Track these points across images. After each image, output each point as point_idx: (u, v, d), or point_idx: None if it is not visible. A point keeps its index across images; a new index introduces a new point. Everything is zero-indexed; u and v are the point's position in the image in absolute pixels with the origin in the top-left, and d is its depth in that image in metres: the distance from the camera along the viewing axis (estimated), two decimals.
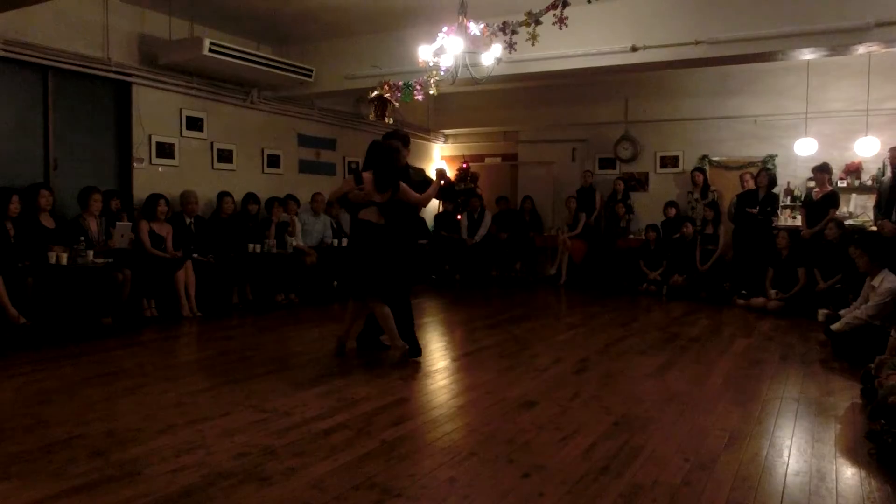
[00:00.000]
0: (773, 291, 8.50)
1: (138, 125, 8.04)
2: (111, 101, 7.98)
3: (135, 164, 8.04)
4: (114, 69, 7.68)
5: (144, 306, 7.21)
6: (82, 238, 6.54)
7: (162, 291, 7.36)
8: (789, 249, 8.49)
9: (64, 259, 6.28)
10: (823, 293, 7.72)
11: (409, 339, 5.47)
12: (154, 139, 8.22)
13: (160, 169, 8.30)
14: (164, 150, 8.35)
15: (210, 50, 7.61)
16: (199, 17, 8.27)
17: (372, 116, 7.69)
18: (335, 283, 8.83)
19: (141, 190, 7.98)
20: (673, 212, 10.55)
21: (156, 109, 8.23)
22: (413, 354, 5.46)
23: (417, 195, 5.52)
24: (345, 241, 9.49)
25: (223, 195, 8.47)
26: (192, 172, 8.62)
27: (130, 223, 7.24)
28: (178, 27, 8.21)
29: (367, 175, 5.29)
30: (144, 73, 8.02)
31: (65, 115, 7.50)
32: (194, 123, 8.73)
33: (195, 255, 7.75)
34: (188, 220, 8.02)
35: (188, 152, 8.66)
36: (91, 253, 6.53)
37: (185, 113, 8.61)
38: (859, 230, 8.52)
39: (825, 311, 6.61)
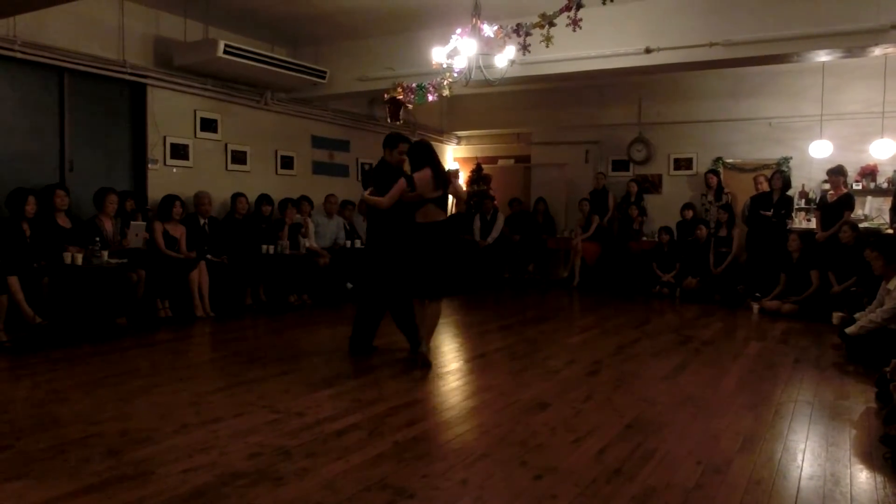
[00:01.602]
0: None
1: (153, 126, 8.10)
2: (126, 103, 8.04)
3: (149, 166, 8.09)
4: (129, 71, 7.74)
5: (158, 307, 7.25)
6: (97, 238, 6.58)
7: (176, 292, 7.40)
8: (801, 252, 8.43)
9: (79, 259, 6.32)
10: (838, 296, 7.66)
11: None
12: (168, 140, 8.28)
13: (174, 170, 8.35)
14: (179, 152, 8.41)
15: (224, 51, 7.66)
16: (214, 19, 8.31)
17: (386, 120, 7.73)
18: (349, 285, 8.88)
19: (155, 191, 8.03)
20: (690, 214, 10.48)
21: (170, 111, 8.29)
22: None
23: (461, 187, 5.61)
24: (357, 243, 9.55)
25: (237, 195, 8.52)
26: (206, 173, 8.67)
27: (144, 223, 7.29)
28: (192, 29, 8.26)
29: (422, 174, 5.28)
30: (159, 75, 8.08)
31: (80, 117, 7.56)
32: (208, 125, 8.78)
33: (209, 256, 7.79)
34: (202, 221, 8.06)
35: (202, 153, 8.71)
36: (106, 253, 6.57)
37: (200, 114, 8.67)
38: (874, 233, 8.46)
39: (840, 314, 6.55)
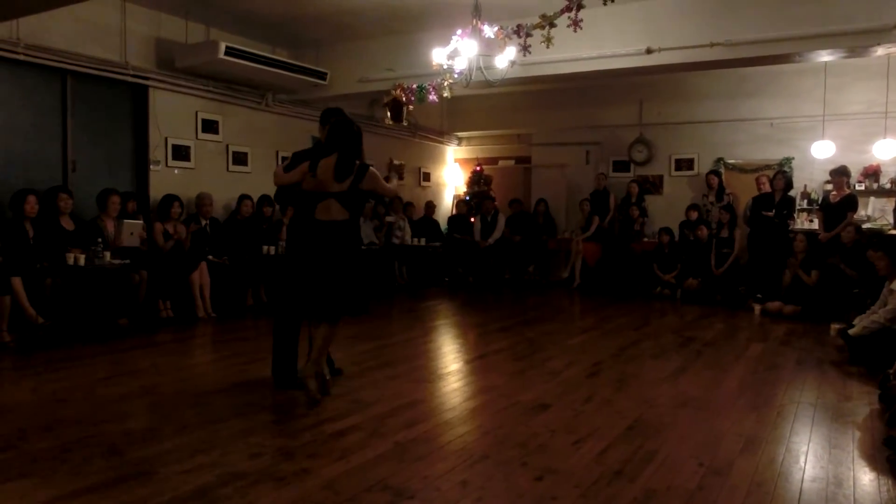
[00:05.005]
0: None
1: (155, 128, 8.11)
2: (128, 104, 8.04)
3: (151, 167, 8.09)
4: (131, 73, 7.74)
5: (160, 307, 7.26)
6: (99, 239, 6.59)
7: (177, 293, 7.41)
8: (806, 253, 8.41)
9: (82, 260, 6.32)
10: (840, 301, 7.60)
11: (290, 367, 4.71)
12: (170, 142, 8.28)
13: (176, 171, 8.35)
14: (180, 153, 8.41)
15: (226, 53, 7.66)
16: (215, 21, 8.33)
17: (388, 121, 7.72)
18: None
19: (157, 192, 8.02)
20: (695, 215, 10.40)
21: (172, 112, 8.29)
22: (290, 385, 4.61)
23: (387, 185, 4.78)
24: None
25: (243, 197, 8.52)
26: (207, 175, 8.67)
27: (140, 222, 7.20)
28: (194, 31, 8.27)
29: (328, 161, 4.31)
30: (161, 77, 8.08)
31: (83, 118, 7.57)
32: (210, 126, 8.78)
33: (210, 257, 7.80)
34: (203, 222, 8.07)
35: (204, 155, 8.72)
36: (108, 254, 6.57)
37: (201, 116, 8.67)
38: (877, 234, 8.44)
39: (838, 325, 6.48)
